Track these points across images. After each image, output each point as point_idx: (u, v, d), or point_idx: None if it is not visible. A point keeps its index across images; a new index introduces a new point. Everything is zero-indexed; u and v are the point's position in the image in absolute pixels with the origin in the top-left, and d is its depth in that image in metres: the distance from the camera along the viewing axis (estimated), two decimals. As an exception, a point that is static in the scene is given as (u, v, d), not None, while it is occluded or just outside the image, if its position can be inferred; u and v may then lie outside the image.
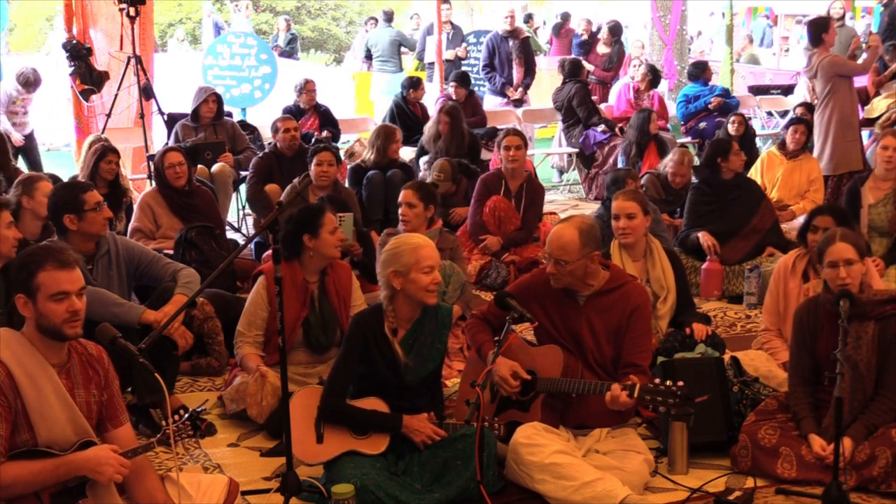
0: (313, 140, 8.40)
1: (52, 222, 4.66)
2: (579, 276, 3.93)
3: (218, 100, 8.14)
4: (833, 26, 8.32)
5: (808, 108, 9.33)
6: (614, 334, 3.94)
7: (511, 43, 11.01)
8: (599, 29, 13.34)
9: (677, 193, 7.37)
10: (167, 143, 7.83)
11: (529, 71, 11.14)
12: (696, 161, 8.10)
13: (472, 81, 10.59)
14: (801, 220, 7.49)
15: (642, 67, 10.74)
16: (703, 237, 6.38)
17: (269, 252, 5.69)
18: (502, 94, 11.13)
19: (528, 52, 11.19)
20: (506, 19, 11.12)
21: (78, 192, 4.53)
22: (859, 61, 8.44)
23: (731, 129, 9.04)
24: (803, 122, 8.09)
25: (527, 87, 11.14)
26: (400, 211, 5.47)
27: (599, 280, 3.99)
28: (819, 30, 8.04)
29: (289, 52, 15.05)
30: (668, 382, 3.51)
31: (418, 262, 3.72)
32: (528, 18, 16.29)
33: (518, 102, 11.06)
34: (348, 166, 7.99)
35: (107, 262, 4.61)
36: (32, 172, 5.47)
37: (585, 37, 13.28)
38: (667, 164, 7.60)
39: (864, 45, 9.57)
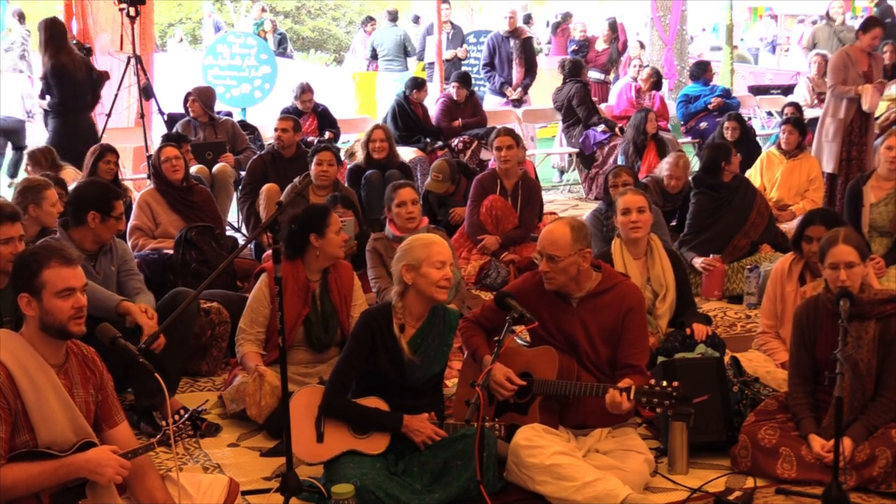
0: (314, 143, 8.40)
1: (71, 213, 4.65)
2: (572, 275, 3.91)
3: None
4: (877, 32, 7.92)
5: (797, 107, 9.30)
6: (609, 335, 3.93)
7: (512, 43, 11.01)
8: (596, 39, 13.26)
9: (674, 199, 7.36)
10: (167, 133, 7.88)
11: (530, 71, 11.14)
12: (695, 161, 8.09)
13: (473, 81, 10.59)
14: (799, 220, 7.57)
15: (647, 69, 10.75)
16: (699, 262, 6.42)
17: (269, 252, 5.71)
18: (501, 93, 11.13)
19: (528, 53, 11.18)
20: (506, 19, 11.11)
21: (111, 197, 4.59)
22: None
23: (727, 134, 8.83)
24: (790, 121, 8.05)
25: (526, 87, 11.13)
26: (406, 210, 5.48)
27: (592, 281, 3.98)
28: (868, 25, 7.96)
29: (281, 52, 14.95)
30: (663, 383, 3.51)
31: (430, 256, 3.74)
32: (528, 19, 16.23)
33: (517, 102, 11.06)
34: (348, 167, 7.99)
35: (109, 258, 4.69)
36: (36, 178, 5.36)
37: (582, 38, 13.24)
38: (663, 168, 7.56)
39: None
